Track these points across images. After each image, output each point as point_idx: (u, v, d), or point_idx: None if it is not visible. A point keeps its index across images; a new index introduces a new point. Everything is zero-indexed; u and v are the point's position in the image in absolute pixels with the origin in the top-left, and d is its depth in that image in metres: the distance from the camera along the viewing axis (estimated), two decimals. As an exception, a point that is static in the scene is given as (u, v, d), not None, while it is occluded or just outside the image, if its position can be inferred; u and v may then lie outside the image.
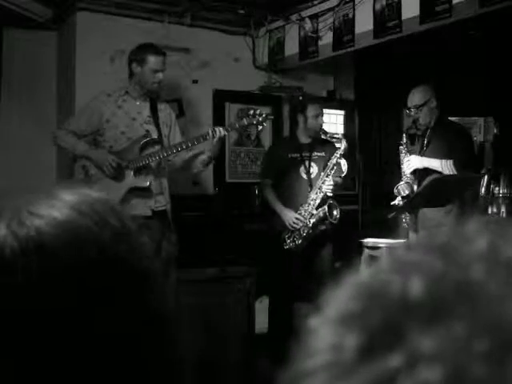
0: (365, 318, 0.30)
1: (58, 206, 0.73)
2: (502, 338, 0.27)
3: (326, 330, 0.31)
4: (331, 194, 4.05)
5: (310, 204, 4.05)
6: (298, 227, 4.04)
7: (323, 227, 4.08)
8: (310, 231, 4.04)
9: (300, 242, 4.06)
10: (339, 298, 0.32)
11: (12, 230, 0.70)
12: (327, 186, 4.03)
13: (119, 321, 0.74)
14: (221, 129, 3.70)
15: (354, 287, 0.32)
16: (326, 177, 4.04)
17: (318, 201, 4.04)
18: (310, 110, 4.16)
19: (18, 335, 0.71)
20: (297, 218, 4.05)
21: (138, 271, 0.77)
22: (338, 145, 4.14)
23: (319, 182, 4.05)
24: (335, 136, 4.22)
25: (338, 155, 4.06)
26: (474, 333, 0.27)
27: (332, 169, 4.05)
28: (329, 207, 4.01)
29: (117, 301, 0.74)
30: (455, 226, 0.35)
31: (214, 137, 3.66)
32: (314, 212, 4.04)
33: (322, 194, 4.03)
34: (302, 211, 4.06)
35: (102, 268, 0.73)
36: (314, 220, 4.03)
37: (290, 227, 4.07)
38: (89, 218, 0.73)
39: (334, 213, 4.03)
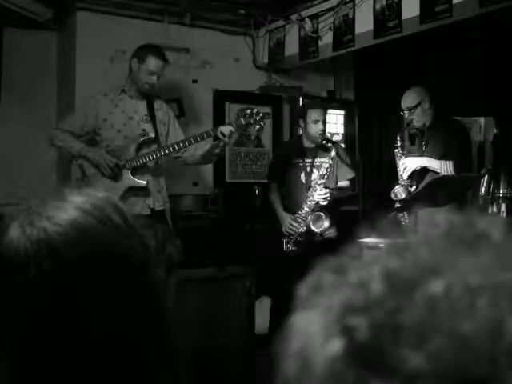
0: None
1: (65, 207, 0.77)
2: None
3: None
4: (325, 203, 4.03)
5: (304, 211, 4.05)
6: (293, 233, 4.07)
7: (317, 234, 4.06)
8: (303, 238, 4.06)
9: (296, 248, 4.07)
10: None
11: (24, 230, 0.74)
12: (318, 194, 4.01)
13: (121, 314, 0.76)
14: (226, 127, 3.75)
15: None
16: (318, 185, 4.02)
17: (309, 209, 4.04)
18: (310, 115, 4.11)
19: (28, 330, 0.74)
20: (292, 225, 4.08)
21: (139, 266, 0.79)
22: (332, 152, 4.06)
23: (311, 191, 4.04)
24: (328, 144, 4.09)
25: (328, 165, 4.04)
26: None
27: (322, 178, 4.02)
28: (316, 218, 4.02)
29: (119, 293, 0.77)
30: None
31: (224, 136, 3.70)
32: (308, 219, 4.05)
33: (314, 203, 4.03)
34: (298, 218, 4.07)
35: (106, 263, 0.76)
36: (305, 227, 4.06)
37: (285, 233, 4.11)
38: (92, 217, 0.77)
39: (323, 224, 4.02)
